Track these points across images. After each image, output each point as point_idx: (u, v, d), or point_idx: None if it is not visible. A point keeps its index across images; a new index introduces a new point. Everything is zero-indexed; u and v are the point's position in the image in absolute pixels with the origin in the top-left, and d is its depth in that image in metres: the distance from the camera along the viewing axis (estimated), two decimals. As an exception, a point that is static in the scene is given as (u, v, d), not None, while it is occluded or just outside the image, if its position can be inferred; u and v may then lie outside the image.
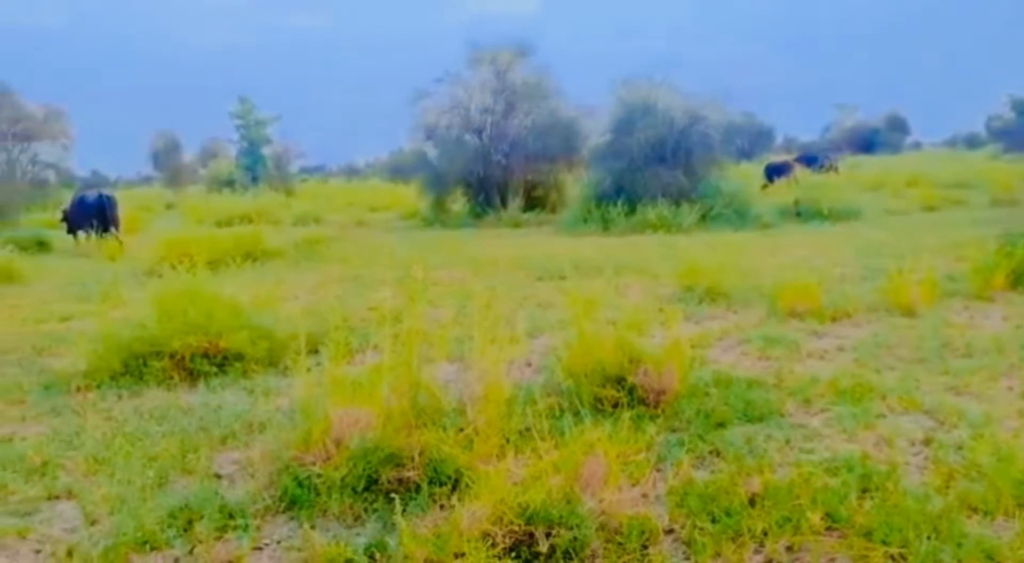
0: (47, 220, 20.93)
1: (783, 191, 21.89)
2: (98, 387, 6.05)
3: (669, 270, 10.34)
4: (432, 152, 23.61)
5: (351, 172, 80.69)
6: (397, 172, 49.27)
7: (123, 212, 18.83)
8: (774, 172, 26.84)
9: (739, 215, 17.92)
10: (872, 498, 3.69)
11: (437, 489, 3.82)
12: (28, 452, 4.74)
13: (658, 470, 4.12)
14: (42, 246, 18.42)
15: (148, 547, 3.53)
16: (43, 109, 23.73)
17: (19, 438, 5.10)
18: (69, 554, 3.52)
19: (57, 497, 4.18)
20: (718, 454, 4.42)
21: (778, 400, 5.26)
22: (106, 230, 17.76)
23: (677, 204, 17.70)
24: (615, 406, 4.98)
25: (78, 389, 6.05)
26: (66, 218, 18.43)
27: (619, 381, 5.15)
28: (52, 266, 14.87)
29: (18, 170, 22.25)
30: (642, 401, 5.08)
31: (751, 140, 62.04)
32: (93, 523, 3.84)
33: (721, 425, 4.83)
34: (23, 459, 4.63)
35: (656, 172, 18.42)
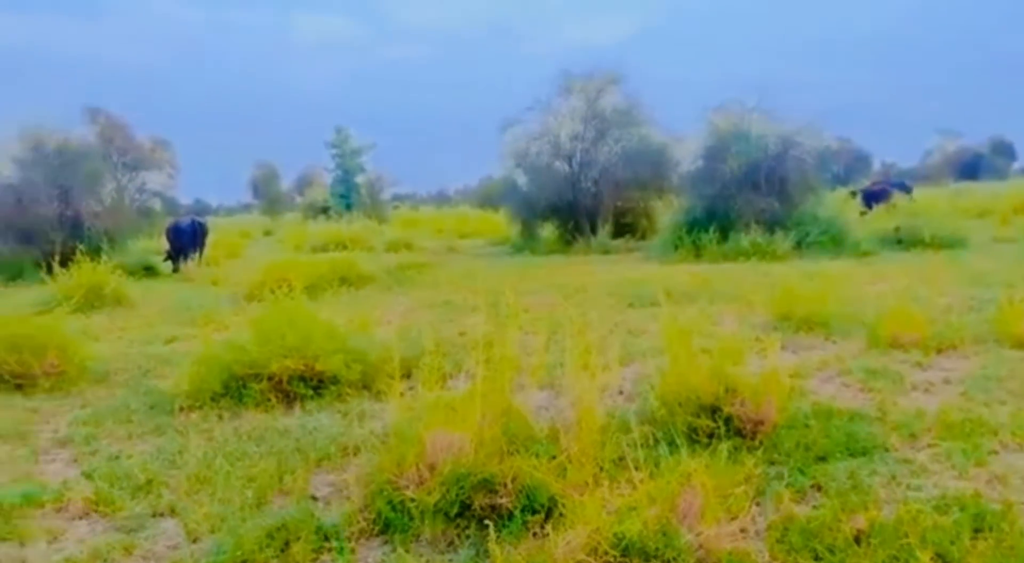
0: (153, 246, 21.91)
1: (882, 218, 21.17)
2: (200, 408, 6.25)
3: (764, 298, 10.07)
4: (522, 179, 23.76)
5: (441, 199, 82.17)
6: (487, 199, 49.95)
7: (223, 238, 19.65)
8: (872, 198, 26.00)
9: (836, 242, 17.37)
10: (986, 539, 3.47)
11: (530, 517, 3.77)
12: (134, 469, 4.91)
13: (757, 504, 3.98)
14: (148, 271, 19.34)
15: (247, 566, 3.59)
16: (151, 140, 24.99)
17: (126, 456, 5.30)
18: (172, 570, 3.62)
19: (161, 514, 4.31)
20: (820, 489, 4.24)
21: (882, 434, 5.03)
22: (200, 253, 18.71)
23: (771, 231, 17.29)
24: (710, 436, 4.85)
25: (181, 409, 6.27)
26: (169, 242, 19.60)
27: (714, 411, 5.02)
28: (157, 290, 15.54)
29: (127, 198, 23.41)
30: (739, 432, 4.92)
31: (847, 166, 60.46)
32: (195, 541, 3.94)
33: (822, 459, 4.64)
34: (129, 476, 4.81)
35: (749, 198, 18.06)
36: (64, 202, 19.69)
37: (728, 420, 4.93)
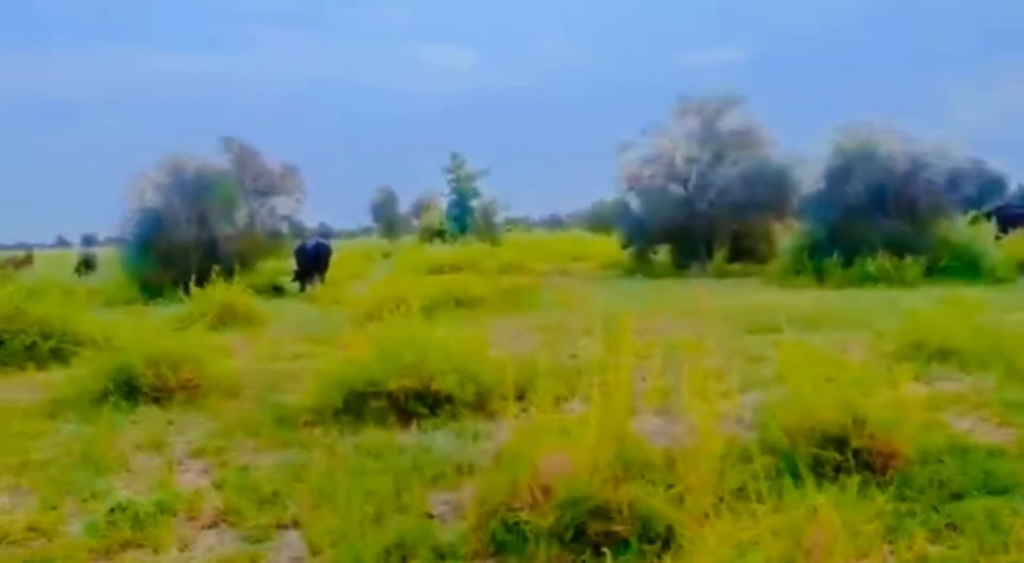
0: (280, 267, 22.90)
1: (1020, 243, 19.92)
2: (323, 423, 6.47)
3: (892, 326, 9.62)
4: (635, 202, 23.61)
5: (554, 222, 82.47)
6: (599, 222, 49.83)
7: (345, 261, 20.36)
8: (1008, 221, 24.52)
9: (970, 268, 16.45)
10: None
11: (647, 546, 3.71)
12: (261, 481, 5.11)
13: (888, 543, 3.78)
14: (276, 290, 20.24)
15: (366, 581, 3.67)
16: (281, 167, 26.13)
17: (254, 468, 5.52)
18: (295, 581, 3.73)
19: (285, 526, 4.46)
20: (955, 528, 4.00)
21: (1023, 471, 4.70)
22: (322, 274, 19.87)
23: (899, 256, 16.52)
24: (837, 470, 4.65)
25: (305, 424, 6.50)
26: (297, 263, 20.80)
27: (841, 443, 4.80)
28: (284, 309, 16.20)
29: (258, 222, 24.53)
30: (867, 466, 4.70)
31: (980, 188, 57.16)
32: (316, 554, 4.05)
33: (958, 496, 4.38)
34: (257, 488, 5.00)
35: (876, 222, 17.35)
36: (201, 225, 20.88)
37: (856, 453, 4.72)
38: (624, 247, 23.91)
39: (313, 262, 20.62)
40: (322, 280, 20.43)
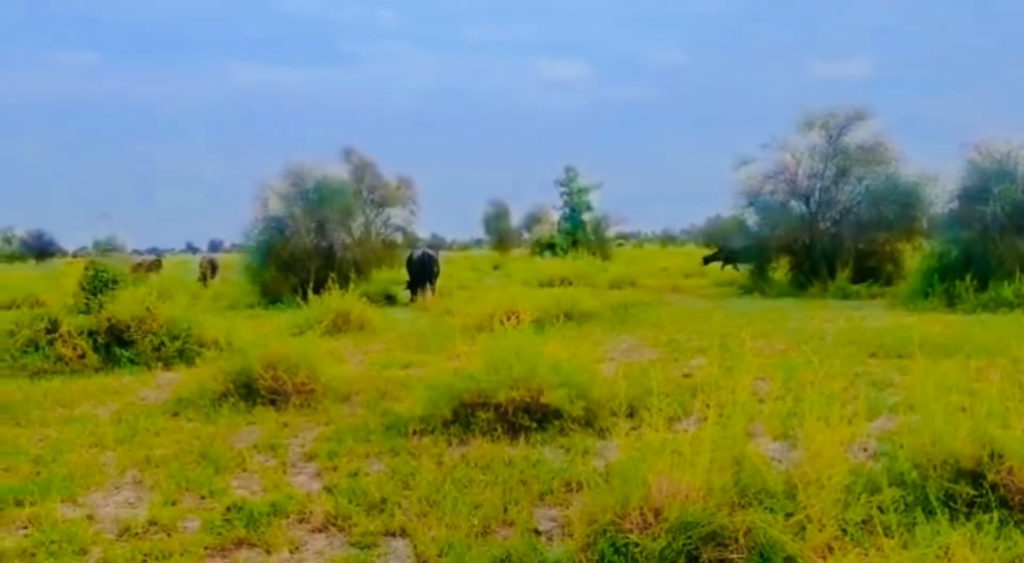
0: (394, 276, 23.40)
1: None
2: (431, 432, 6.50)
3: (1032, 355, 8.95)
4: (753, 218, 22.98)
5: (667, 238, 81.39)
6: (713, 238, 48.82)
7: (456, 272, 20.61)
8: None
9: (1120, 295, 15.21)
10: None
11: (764, 576, 3.52)
12: (371, 488, 5.17)
13: (1031, 589, 3.46)
14: (389, 299, 20.69)
15: (472, 594, 3.63)
16: (396, 178, 26.78)
17: (363, 473, 5.59)
18: (401, 590, 3.72)
19: (393, 534, 4.48)
20: (1108, 578, 3.63)
21: None
22: (431, 283, 20.49)
23: (1037, 281, 15.44)
24: (970, 505, 4.31)
25: (414, 432, 6.55)
26: (409, 272, 21.24)
27: (976, 477, 4.46)
28: (397, 317, 16.52)
29: (373, 231, 25.18)
30: (1005, 503, 4.34)
31: None
32: (423, 563, 4.04)
33: (1109, 542, 3.98)
34: (366, 494, 5.05)
35: (1014, 243, 16.28)
36: (320, 234, 21.58)
37: (993, 488, 4.37)
38: (721, 262, 23.06)
39: (420, 272, 20.97)
40: (432, 290, 20.77)
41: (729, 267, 29.08)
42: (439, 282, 21.50)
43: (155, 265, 28.74)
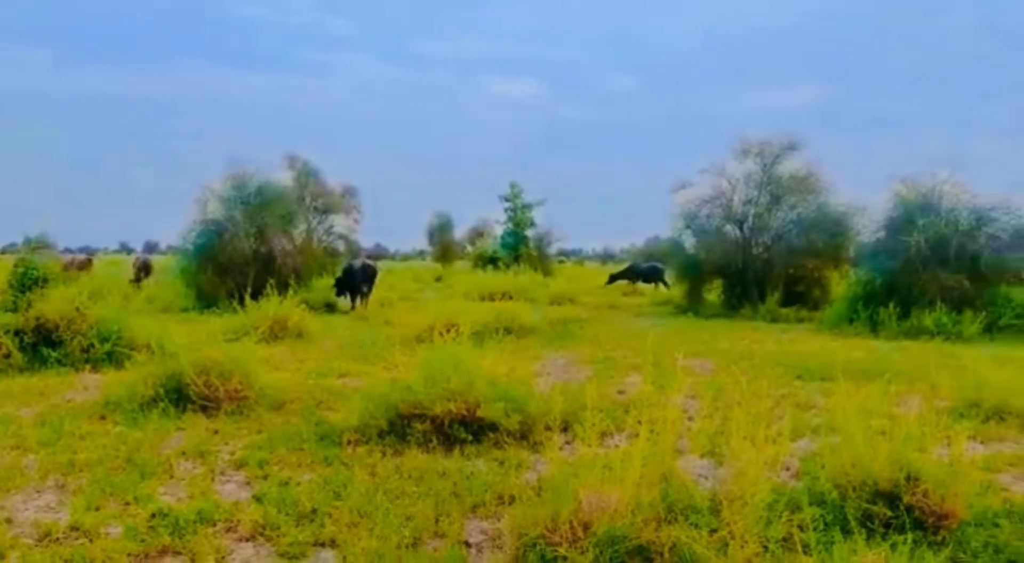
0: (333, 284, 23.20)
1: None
2: (366, 442, 6.49)
3: (948, 382, 9.35)
4: (690, 241, 23.41)
5: (607, 256, 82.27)
6: (652, 259, 49.52)
7: (399, 282, 20.55)
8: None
9: (1033, 327, 15.91)
10: None
11: (687, 590, 3.63)
12: (301, 497, 5.14)
13: (939, 607, 3.64)
14: (328, 308, 20.51)
15: (400, 605, 3.65)
16: (341, 186, 26.61)
17: (294, 483, 5.55)
18: (330, 599, 3.72)
19: (322, 544, 4.47)
20: (1011, 598, 3.84)
21: (1086, 543, 4.50)
22: (366, 294, 20.97)
23: (958, 311, 16.06)
24: (887, 526, 4.51)
25: (348, 442, 6.52)
26: (337, 283, 21.54)
27: (892, 499, 4.67)
28: (335, 326, 16.37)
29: (315, 239, 24.94)
30: (919, 525, 4.55)
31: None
32: (352, 573, 4.04)
33: (1014, 563, 4.21)
34: (296, 504, 5.03)
35: (935, 275, 16.88)
36: (260, 239, 21.26)
37: (909, 510, 4.57)
38: (676, 285, 23.67)
39: (362, 281, 21.29)
40: (367, 299, 21.27)
41: (628, 283, 31.02)
42: (375, 293, 21.64)
43: (86, 264, 27.89)
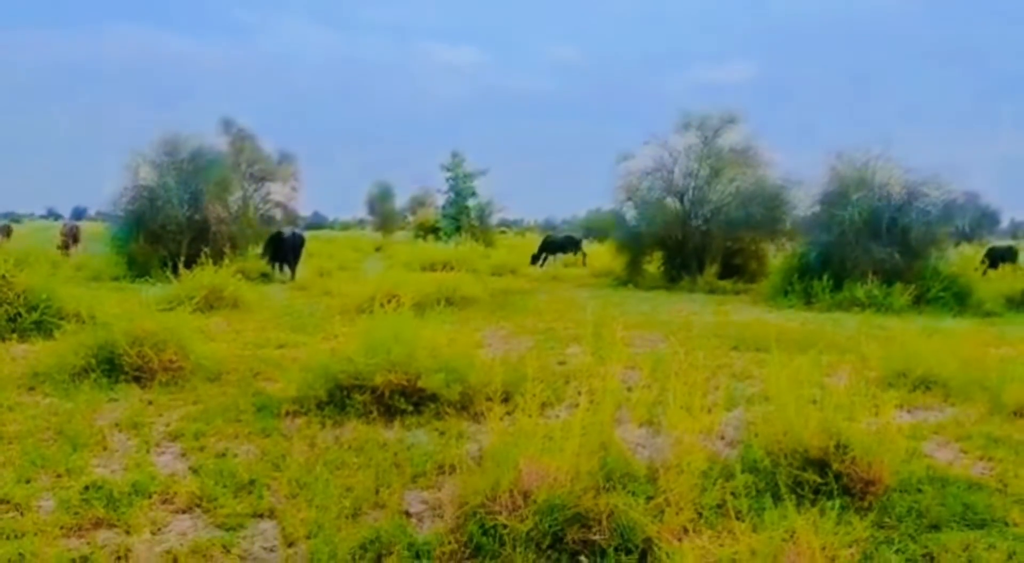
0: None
1: (1009, 278, 20.08)
2: (305, 413, 6.42)
3: (878, 353, 9.65)
4: (631, 213, 23.60)
5: (548, 227, 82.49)
6: (592, 231, 49.92)
7: (338, 252, 20.34)
8: (1000, 257, 24.97)
9: (958, 300, 16.49)
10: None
11: (624, 557, 3.70)
12: (239, 469, 5.08)
13: (865, 569, 3.78)
14: (264, 277, 20.19)
15: (340, 575, 3.64)
16: (278, 153, 26.10)
17: (232, 454, 5.48)
18: (268, 571, 3.70)
19: (261, 515, 4.43)
20: (932, 559, 4.02)
21: (1002, 507, 4.72)
22: (294, 262, 21.24)
23: (888, 283, 16.57)
24: (816, 492, 4.65)
25: (287, 414, 6.45)
26: (266, 251, 21.65)
27: (822, 466, 4.81)
28: (272, 296, 16.12)
29: (251, 207, 24.45)
30: (847, 491, 4.71)
31: (974, 221, 57.40)
32: (291, 545, 4.02)
33: (935, 527, 4.40)
34: (234, 475, 4.96)
35: (868, 248, 17.38)
36: (193, 206, 20.76)
37: (837, 477, 4.72)
38: (617, 257, 23.89)
39: (290, 249, 21.37)
40: (294, 268, 21.43)
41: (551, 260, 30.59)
42: (314, 263, 21.57)
43: (4, 230, 26.92)
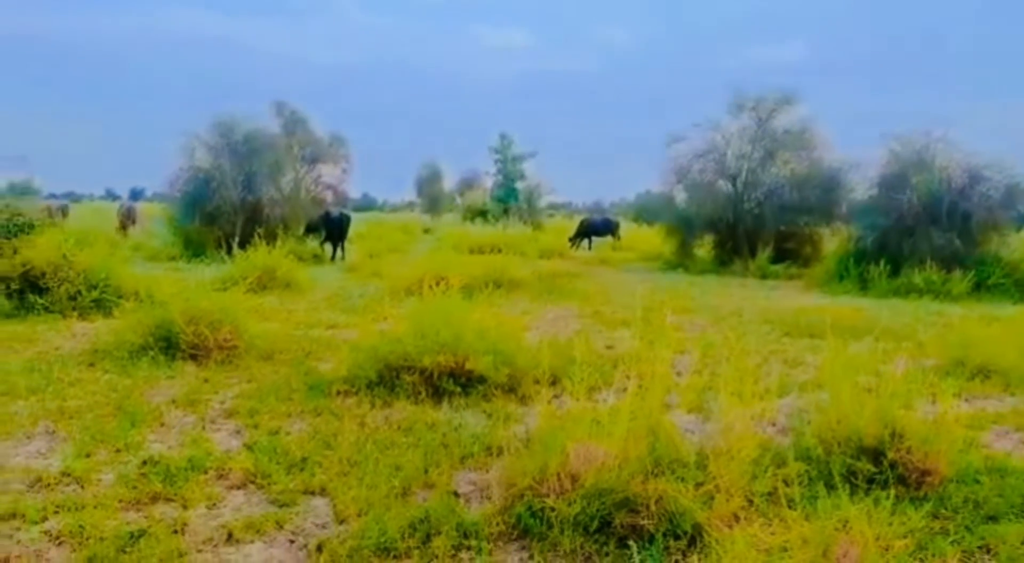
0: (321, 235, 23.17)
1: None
2: (355, 393, 6.50)
3: (936, 340, 9.42)
4: (681, 196, 23.31)
5: (596, 210, 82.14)
6: (642, 214, 49.50)
7: (387, 234, 20.52)
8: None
9: (1020, 287, 15.99)
10: None
11: (672, 542, 3.67)
12: (291, 446, 5.17)
13: (919, 561, 3.70)
14: (316, 258, 20.46)
15: (390, 554, 3.69)
16: (329, 135, 26.28)
17: (284, 432, 5.58)
18: (319, 548, 3.76)
19: (312, 492, 4.50)
20: (989, 551, 3.92)
21: (1065, 499, 4.58)
22: (341, 241, 22.06)
23: (947, 269, 16.13)
24: (870, 482, 4.56)
25: (338, 393, 6.54)
26: (313, 229, 22.57)
27: (877, 455, 4.72)
28: (324, 277, 16.32)
29: (303, 188, 24.69)
30: (902, 480, 4.61)
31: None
32: (342, 522, 4.08)
33: (993, 519, 4.29)
34: (287, 452, 5.05)
35: (927, 233, 16.94)
36: (247, 188, 21.06)
37: (892, 466, 4.62)
38: (666, 240, 23.68)
39: (337, 229, 22.11)
40: (340, 248, 22.26)
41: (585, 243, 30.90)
42: (367, 245, 22.02)
43: (61, 210, 27.61)
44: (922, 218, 17.15)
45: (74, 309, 10.19)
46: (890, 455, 4.65)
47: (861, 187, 19.86)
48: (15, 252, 10.43)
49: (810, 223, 21.88)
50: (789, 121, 21.74)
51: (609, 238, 31.88)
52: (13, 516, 4.06)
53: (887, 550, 3.50)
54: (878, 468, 4.62)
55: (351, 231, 23.41)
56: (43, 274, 10.31)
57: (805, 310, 12.59)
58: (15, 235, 10.70)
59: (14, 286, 10.23)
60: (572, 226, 33.56)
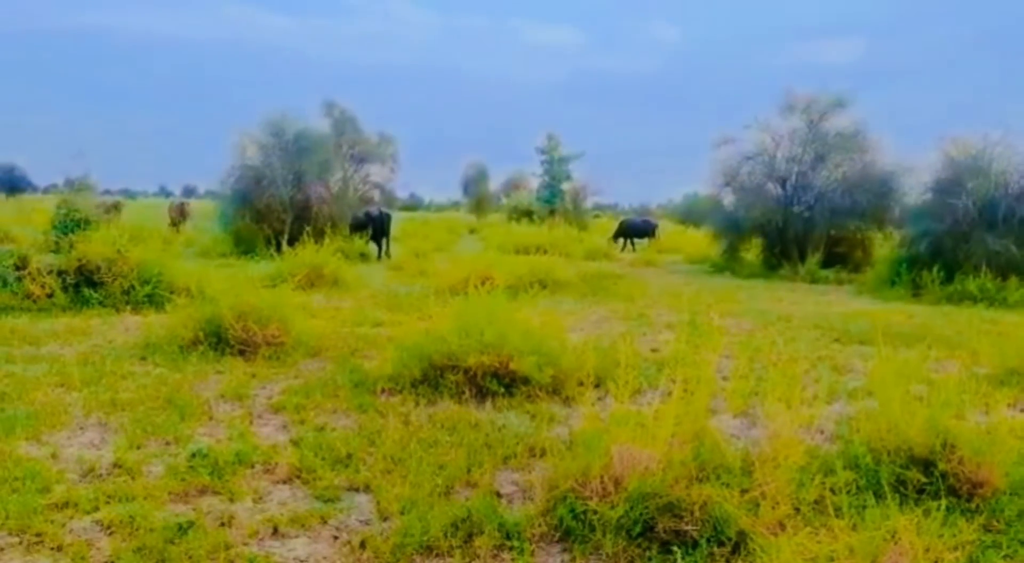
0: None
1: None
2: (400, 391, 6.55)
3: (990, 349, 9.17)
4: (729, 198, 23.03)
5: (643, 212, 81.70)
6: (688, 216, 49.11)
7: (433, 233, 20.63)
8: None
9: (1079, 296, 15.52)
10: None
11: (716, 549, 3.63)
12: (337, 443, 5.22)
13: (970, 574, 3.61)
14: (362, 256, 20.67)
15: (432, 553, 3.71)
16: (378, 135, 26.58)
17: (330, 428, 5.64)
18: (362, 545, 3.79)
19: (356, 489, 4.55)
20: (1043, 567, 3.80)
21: (1124, 515, 4.42)
22: (382, 240, 22.39)
23: (1003, 276, 15.70)
24: (920, 492, 4.46)
25: (383, 391, 6.60)
26: (357, 228, 22.65)
27: (927, 465, 4.61)
28: (370, 275, 16.48)
29: (351, 187, 25.00)
30: (953, 492, 4.50)
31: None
32: (385, 519, 4.12)
33: (1048, 533, 4.15)
34: (332, 449, 5.10)
35: (982, 239, 16.50)
36: (296, 186, 21.37)
37: (943, 477, 4.52)
38: (713, 243, 23.46)
39: (378, 227, 22.45)
40: (383, 246, 22.51)
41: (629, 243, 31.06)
42: (412, 243, 22.10)
43: (115, 207, 28.28)
44: (977, 223, 16.72)
45: (127, 303, 10.45)
46: (941, 465, 4.54)
47: (915, 191, 19.45)
48: (72, 247, 10.72)
49: (861, 227, 21.47)
50: (841, 123, 21.36)
51: (647, 239, 31.79)
52: (67, 505, 4.16)
53: (936, 562, 3.42)
54: (928, 478, 4.52)
55: (396, 230, 23.63)
56: (98, 269, 10.59)
57: (855, 315, 12.37)
58: (72, 231, 10.98)
59: (70, 280, 10.52)
60: (615, 228, 33.49)
